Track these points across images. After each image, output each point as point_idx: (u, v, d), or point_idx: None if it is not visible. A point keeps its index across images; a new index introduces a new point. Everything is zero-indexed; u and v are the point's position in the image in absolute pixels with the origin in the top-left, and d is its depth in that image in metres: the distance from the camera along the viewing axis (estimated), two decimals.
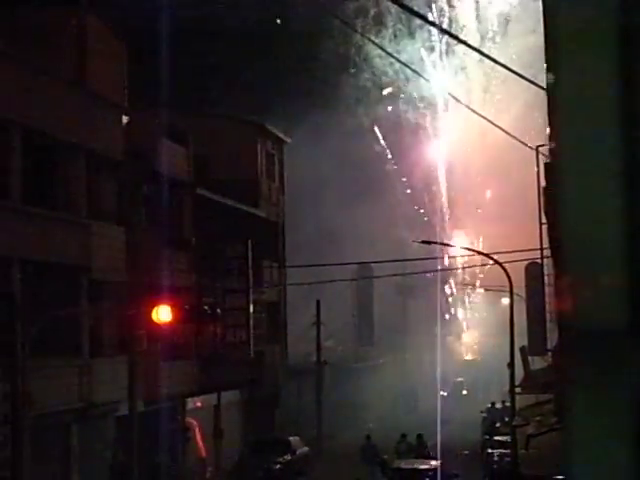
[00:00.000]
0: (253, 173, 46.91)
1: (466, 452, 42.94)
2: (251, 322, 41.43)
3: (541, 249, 30.25)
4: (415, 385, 67.46)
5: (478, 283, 70.81)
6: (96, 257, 30.31)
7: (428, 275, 61.74)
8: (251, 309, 41.55)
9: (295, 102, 54.73)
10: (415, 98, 63.39)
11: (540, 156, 27.67)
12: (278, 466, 38.41)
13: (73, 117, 29.55)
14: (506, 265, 34.55)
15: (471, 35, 54.86)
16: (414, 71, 46.48)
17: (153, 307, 34.24)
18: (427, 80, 45.47)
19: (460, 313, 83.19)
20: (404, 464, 34.89)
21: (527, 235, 34.32)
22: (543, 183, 25.82)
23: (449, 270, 68.61)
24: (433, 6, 55.92)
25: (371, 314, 65.86)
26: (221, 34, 52.84)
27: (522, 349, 33.75)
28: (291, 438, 41.38)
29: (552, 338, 30.78)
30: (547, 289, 32.40)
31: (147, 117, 35.54)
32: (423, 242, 41.44)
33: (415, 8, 29.12)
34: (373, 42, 53.75)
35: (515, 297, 35.49)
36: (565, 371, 3.26)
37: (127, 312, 31.90)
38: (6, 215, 26.62)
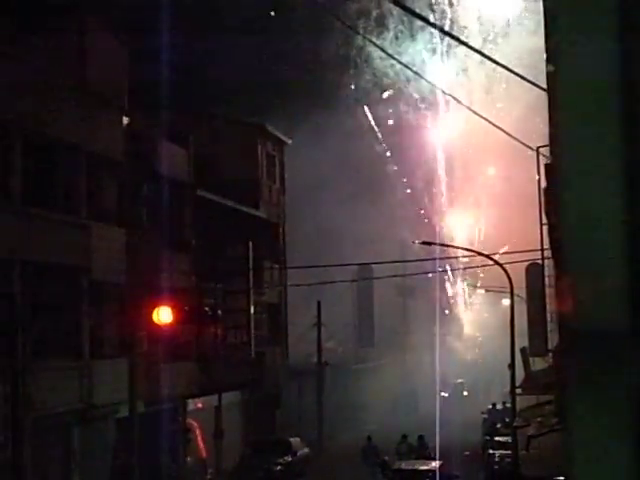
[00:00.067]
0: (253, 174, 46.91)
1: (467, 453, 42.91)
2: (252, 323, 41.43)
3: (542, 250, 30.21)
4: (415, 386, 67.44)
5: (479, 284, 70.77)
6: (96, 258, 30.31)
7: (430, 275, 61.74)
8: (252, 310, 41.54)
9: (295, 103, 54.74)
10: (416, 99, 63.42)
11: (541, 157, 27.64)
12: (279, 467, 38.42)
13: (73, 118, 29.56)
14: (506, 266, 34.55)
15: (472, 37, 54.85)
16: (415, 72, 46.53)
17: (154, 308, 34.28)
18: (428, 81, 45.47)
19: (461, 314, 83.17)
20: (404, 465, 34.89)
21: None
22: (543, 184, 25.81)
23: (449, 271, 68.57)
24: (435, 8, 55.93)
25: (371, 315, 65.85)
26: (221, 34, 52.84)
27: (523, 350, 33.71)
28: (292, 439, 41.38)
29: (553, 339, 30.73)
30: (548, 290, 32.35)
31: (147, 118, 35.55)
32: (423, 243, 41.43)
33: (417, 10, 29.10)
34: (374, 43, 53.75)
35: (516, 298, 35.48)
36: (566, 371, 3.26)
37: (127, 313, 31.91)
38: (6, 216, 26.61)
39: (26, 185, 27.49)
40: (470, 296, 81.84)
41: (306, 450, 41.96)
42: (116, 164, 32.44)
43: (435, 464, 35.09)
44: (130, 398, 31.00)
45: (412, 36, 57.11)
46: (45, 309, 27.70)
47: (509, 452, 33.28)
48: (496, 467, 36.67)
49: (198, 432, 38.87)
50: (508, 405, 40.12)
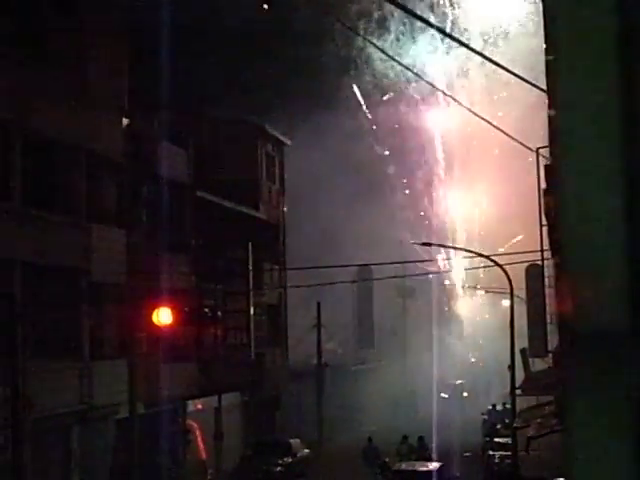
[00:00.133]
0: (253, 175, 46.91)
1: (467, 454, 42.91)
2: (252, 324, 41.43)
3: (541, 250, 30.21)
4: (415, 387, 67.43)
5: (479, 285, 70.73)
6: (96, 259, 30.31)
7: (430, 276, 61.76)
8: (252, 311, 41.55)
9: (295, 103, 54.74)
10: (417, 100, 63.44)
11: (540, 158, 27.65)
12: (278, 468, 38.43)
13: (73, 119, 29.56)
14: (506, 267, 34.56)
15: (473, 38, 54.89)
16: (415, 74, 46.52)
17: (153, 309, 34.27)
18: (428, 83, 45.40)
19: (461, 314, 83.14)
20: (404, 466, 34.91)
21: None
22: (543, 185, 25.81)
23: (448, 272, 68.57)
24: (436, 10, 55.98)
25: (371, 316, 65.86)
26: (221, 35, 52.86)
27: (523, 351, 33.71)
28: (291, 440, 41.39)
29: (553, 340, 30.73)
30: (547, 291, 32.35)
31: (147, 119, 35.55)
32: (423, 244, 41.44)
33: (418, 12, 29.15)
34: (375, 45, 53.79)
35: (515, 299, 35.48)
36: (566, 372, 3.25)
37: (127, 314, 31.90)
38: (6, 217, 26.62)
39: (25, 186, 27.50)
40: (470, 297, 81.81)
41: (306, 451, 41.96)
42: (116, 165, 32.45)
43: (434, 465, 35.12)
44: (130, 399, 30.99)
45: (413, 38, 57.16)
46: (45, 310, 27.69)
47: (509, 453, 33.27)
48: (496, 468, 36.67)
49: (198, 433, 38.87)
50: (508, 406, 40.11)
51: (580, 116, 3.10)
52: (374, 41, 53.18)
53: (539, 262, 32.08)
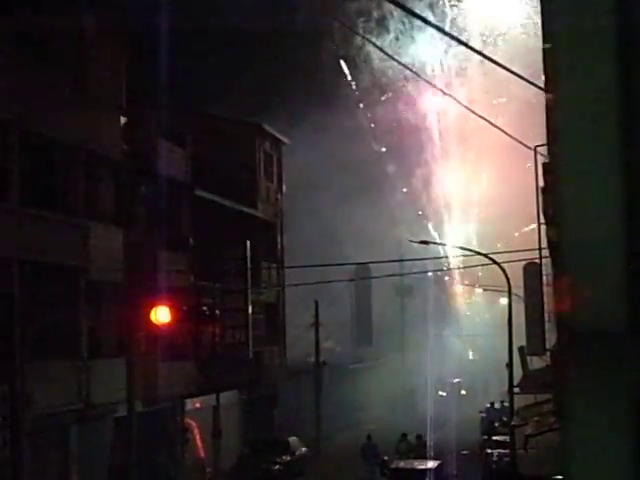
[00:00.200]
0: (251, 174, 46.88)
1: (465, 452, 42.94)
2: (250, 323, 41.39)
3: (539, 249, 30.22)
4: (413, 385, 67.44)
5: (477, 283, 70.74)
6: (94, 258, 30.30)
7: (429, 274, 61.73)
8: (250, 310, 41.52)
9: (293, 102, 54.72)
10: (415, 98, 63.42)
11: (538, 156, 27.66)
12: (277, 467, 38.44)
13: (71, 118, 29.54)
14: (504, 264, 34.55)
15: (473, 37, 54.87)
16: (415, 73, 46.44)
17: (151, 308, 34.23)
18: (427, 81, 45.44)
19: (459, 313, 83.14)
20: (403, 464, 34.93)
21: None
22: (541, 183, 25.82)
23: (446, 270, 68.56)
24: (435, 11, 55.99)
25: (369, 314, 65.85)
26: (220, 34, 52.83)
27: (521, 349, 33.73)
28: (290, 439, 41.40)
29: (551, 338, 30.76)
30: (545, 289, 32.37)
31: (145, 118, 35.53)
32: (421, 242, 41.39)
33: (417, 10, 29.10)
34: (374, 44, 53.77)
35: (514, 297, 35.49)
36: (564, 370, 3.26)
37: (125, 313, 31.89)
38: (4, 216, 26.60)
39: (24, 185, 27.48)
40: (469, 295, 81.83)
41: (304, 450, 41.96)
42: (114, 164, 32.44)
43: (433, 463, 35.15)
44: (128, 398, 30.98)
45: (412, 37, 57.15)
46: (43, 309, 27.68)
47: (507, 451, 33.28)
48: (494, 466, 36.68)
49: (196, 432, 38.86)
50: (506, 404, 40.12)
51: (579, 116, 3.11)
52: (373, 40, 53.17)
53: (537, 260, 32.10)
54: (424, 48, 57.38)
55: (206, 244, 39.39)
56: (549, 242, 22.71)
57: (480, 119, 23.97)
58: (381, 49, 50.08)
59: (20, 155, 27.30)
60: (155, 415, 34.35)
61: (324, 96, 58.52)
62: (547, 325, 32.30)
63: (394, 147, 66.78)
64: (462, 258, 58.46)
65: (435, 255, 51.44)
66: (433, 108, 64.55)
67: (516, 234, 54.04)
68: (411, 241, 42.21)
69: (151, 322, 33.78)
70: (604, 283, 3.12)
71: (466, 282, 76.28)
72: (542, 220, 26.77)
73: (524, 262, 34.17)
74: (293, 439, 41.64)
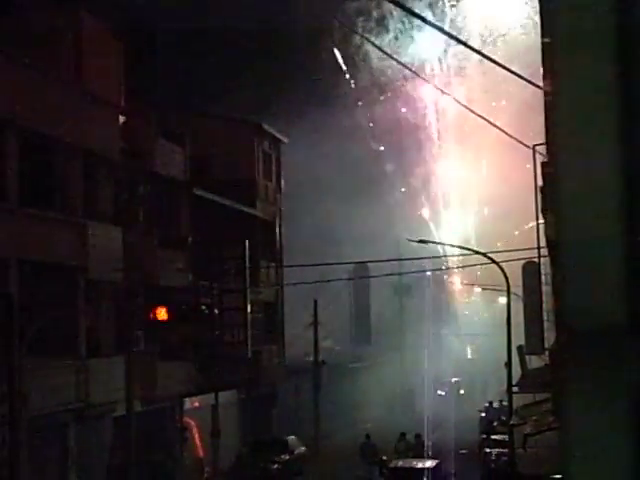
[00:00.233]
0: (250, 173, 46.88)
1: (464, 451, 42.95)
2: (248, 322, 41.41)
3: (538, 248, 30.20)
4: (412, 384, 67.46)
5: (476, 282, 70.69)
6: (93, 257, 30.29)
7: (428, 273, 61.71)
8: (248, 309, 41.53)
9: (293, 101, 54.70)
10: (414, 98, 63.43)
11: (537, 155, 27.66)
12: (276, 466, 38.43)
13: (70, 117, 29.52)
14: (502, 263, 34.52)
15: (472, 37, 54.90)
16: (414, 72, 46.46)
17: (150, 307, 34.27)
18: (426, 80, 45.46)
19: (458, 312, 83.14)
20: (401, 463, 34.94)
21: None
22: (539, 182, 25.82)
23: (445, 270, 68.54)
24: (435, 11, 56.00)
25: (368, 314, 65.82)
26: (219, 34, 52.81)
27: (519, 348, 33.71)
28: (288, 438, 41.40)
29: (549, 337, 30.75)
30: (544, 288, 32.34)
31: (144, 117, 35.52)
32: (420, 241, 41.34)
33: (416, 10, 29.12)
34: (373, 44, 53.77)
35: (512, 296, 35.46)
36: (564, 370, 3.26)
37: (124, 312, 31.89)
38: (3, 216, 26.60)
39: (23, 185, 27.48)
40: (467, 294, 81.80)
41: (303, 449, 41.96)
42: (112, 163, 32.42)
43: (431, 462, 35.15)
44: (127, 397, 30.98)
45: (411, 37, 57.16)
46: (42, 308, 27.67)
47: (506, 450, 33.28)
48: (493, 465, 36.69)
49: (195, 431, 38.86)
50: (505, 403, 40.11)
51: (579, 115, 3.11)
52: (372, 39, 53.18)
53: (536, 259, 32.08)
54: (423, 47, 57.40)
55: (205, 243, 39.40)
56: (548, 241, 22.71)
57: (479, 118, 23.97)
58: (379, 48, 50.09)
59: (18, 155, 27.29)
60: (154, 414, 34.35)
61: (323, 95, 58.51)
62: (546, 324, 32.28)
63: (393, 146, 66.77)
64: (461, 257, 58.47)
65: (434, 254, 51.39)
66: (432, 107, 64.56)
67: (516, 232, 54.00)
68: (409, 240, 42.15)
69: (150, 321, 33.82)
70: (603, 282, 3.12)
71: (465, 281, 76.27)
72: (541, 219, 26.77)
73: (523, 261, 34.13)
74: (292, 438, 41.64)
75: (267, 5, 54.17)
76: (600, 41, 3.03)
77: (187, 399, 38.16)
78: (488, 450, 38.02)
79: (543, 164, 22.49)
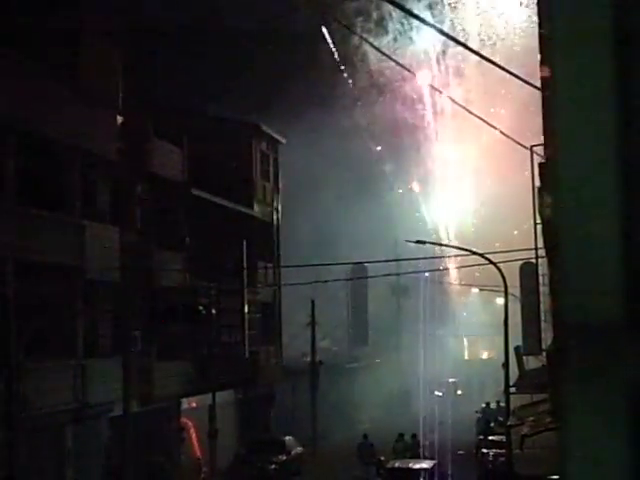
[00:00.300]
0: (248, 173, 46.89)
1: (461, 452, 42.94)
2: (246, 322, 41.42)
3: (536, 249, 30.21)
4: (409, 385, 67.48)
5: (474, 282, 70.72)
6: (90, 257, 30.28)
7: (426, 274, 61.70)
8: (246, 309, 41.53)
9: (290, 101, 54.71)
10: (413, 98, 63.49)
11: (535, 156, 27.65)
12: (273, 466, 38.42)
13: (67, 117, 29.51)
14: (500, 264, 34.53)
15: (471, 38, 54.96)
16: (412, 72, 46.52)
17: (147, 307, 34.24)
18: (425, 81, 45.50)
19: (455, 312, 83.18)
20: (399, 464, 34.93)
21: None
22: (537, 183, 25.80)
23: (443, 270, 68.57)
24: (434, 12, 56.04)
25: (365, 314, 65.74)
26: (219, 34, 52.81)
27: (517, 349, 33.72)
28: (286, 438, 41.39)
29: (547, 338, 30.77)
30: (542, 289, 32.35)
31: (141, 117, 35.50)
32: (417, 242, 41.35)
33: (415, 11, 29.16)
34: (372, 45, 53.77)
35: (510, 297, 35.47)
36: (562, 369, 3.26)
37: (121, 312, 31.88)
38: (0, 215, 26.57)
39: (20, 184, 27.46)
40: (465, 295, 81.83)
41: (300, 449, 41.96)
42: (110, 163, 32.41)
43: (428, 463, 35.15)
44: (124, 397, 30.97)
45: (410, 38, 57.22)
46: (39, 308, 27.65)
47: (503, 451, 33.28)
48: (490, 466, 36.69)
49: (192, 431, 38.85)
50: (502, 404, 40.12)
51: (578, 115, 3.11)
52: (371, 40, 53.19)
53: (533, 260, 32.09)
54: (422, 48, 57.45)
55: (202, 243, 39.39)
56: (545, 242, 22.70)
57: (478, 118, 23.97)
58: (377, 48, 50.11)
59: (16, 155, 27.27)
60: (151, 414, 34.33)
61: (321, 95, 58.54)
62: (543, 325, 32.31)
63: (391, 146, 66.79)
64: (459, 258, 58.45)
65: (432, 255, 51.39)
66: (431, 107, 64.58)
67: (515, 232, 54.03)
68: (407, 241, 42.15)
69: (147, 321, 33.80)
70: (602, 282, 3.12)
71: (462, 282, 76.27)
72: (538, 220, 26.77)
73: (521, 262, 34.14)
74: (289, 438, 41.63)
75: (267, 5, 54.16)
76: (600, 41, 3.02)
77: (184, 399, 38.15)
78: (485, 451, 38.02)
79: (541, 165, 22.47)
